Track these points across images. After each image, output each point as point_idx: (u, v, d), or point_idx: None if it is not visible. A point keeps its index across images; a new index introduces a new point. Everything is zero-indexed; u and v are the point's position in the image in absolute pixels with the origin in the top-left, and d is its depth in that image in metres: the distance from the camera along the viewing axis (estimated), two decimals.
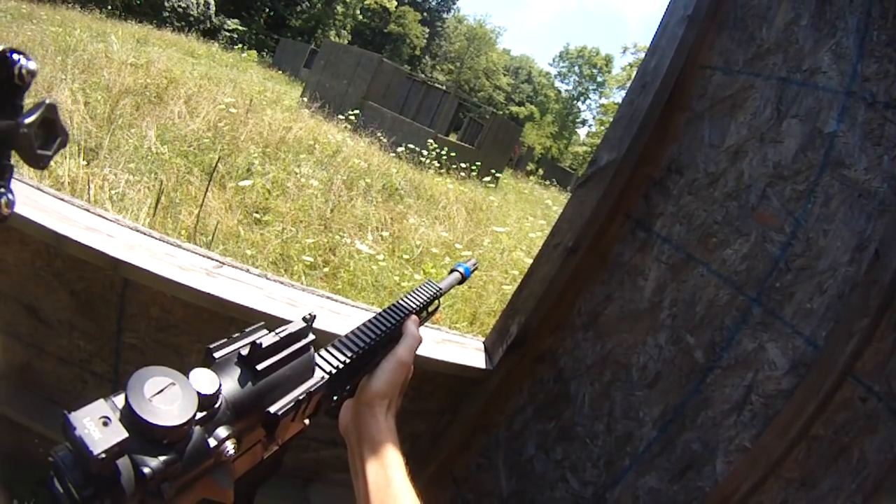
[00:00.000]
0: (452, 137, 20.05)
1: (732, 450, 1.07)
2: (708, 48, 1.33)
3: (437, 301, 0.79)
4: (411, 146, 10.79)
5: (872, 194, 0.99)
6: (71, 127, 4.46)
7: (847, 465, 0.94)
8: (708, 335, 1.17)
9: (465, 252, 5.37)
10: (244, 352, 0.45)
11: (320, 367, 0.55)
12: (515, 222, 8.58)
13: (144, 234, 1.39)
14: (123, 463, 0.34)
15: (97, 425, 0.33)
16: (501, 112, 41.60)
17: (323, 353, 0.58)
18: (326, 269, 4.19)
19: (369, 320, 0.67)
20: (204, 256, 1.41)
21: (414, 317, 0.72)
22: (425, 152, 10.64)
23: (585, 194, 1.44)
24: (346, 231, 4.97)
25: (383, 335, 0.65)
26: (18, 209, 1.22)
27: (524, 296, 1.55)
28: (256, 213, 4.64)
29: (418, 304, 0.73)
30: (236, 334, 0.47)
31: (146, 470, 0.34)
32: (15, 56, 0.33)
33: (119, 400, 0.36)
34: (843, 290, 1.00)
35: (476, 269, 0.91)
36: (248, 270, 1.44)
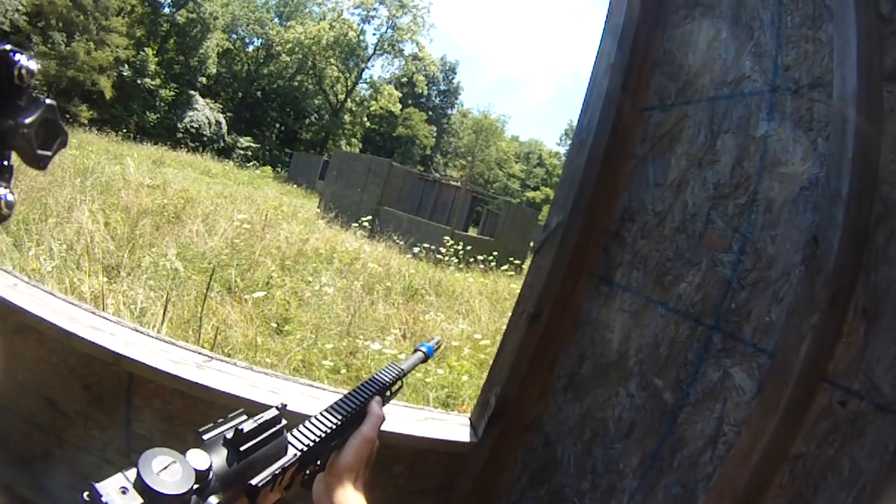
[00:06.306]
0: (473, 231, 20.37)
1: (711, 487, 1.03)
2: (644, 90, 1.39)
3: (400, 381, 0.86)
4: (427, 245, 10.95)
5: (814, 182, 0.98)
6: (92, 246, 4.71)
7: (838, 478, 0.87)
8: (673, 373, 1.17)
9: (485, 342, 5.32)
10: (229, 435, 0.55)
11: (293, 445, 0.64)
12: None
13: (142, 332, 1.52)
14: None
15: (118, 493, 0.44)
16: (518, 199, 42.28)
17: (296, 432, 0.66)
18: (346, 372, 4.22)
19: (337, 402, 0.75)
20: (194, 352, 1.52)
21: (377, 397, 0.79)
22: (443, 250, 10.82)
23: (541, 260, 1.49)
24: (366, 334, 5.05)
25: (349, 416, 0.73)
26: (34, 310, 1.40)
27: (499, 367, 1.57)
28: (277, 323, 4.77)
29: (381, 384, 0.81)
30: (220, 419, 0.57)
31: None
32: (16, 56, 0.33)
33: (131, 474, 0.46)
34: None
35: (439, 347, 1.00)
36: (234, 363, 1.53)
